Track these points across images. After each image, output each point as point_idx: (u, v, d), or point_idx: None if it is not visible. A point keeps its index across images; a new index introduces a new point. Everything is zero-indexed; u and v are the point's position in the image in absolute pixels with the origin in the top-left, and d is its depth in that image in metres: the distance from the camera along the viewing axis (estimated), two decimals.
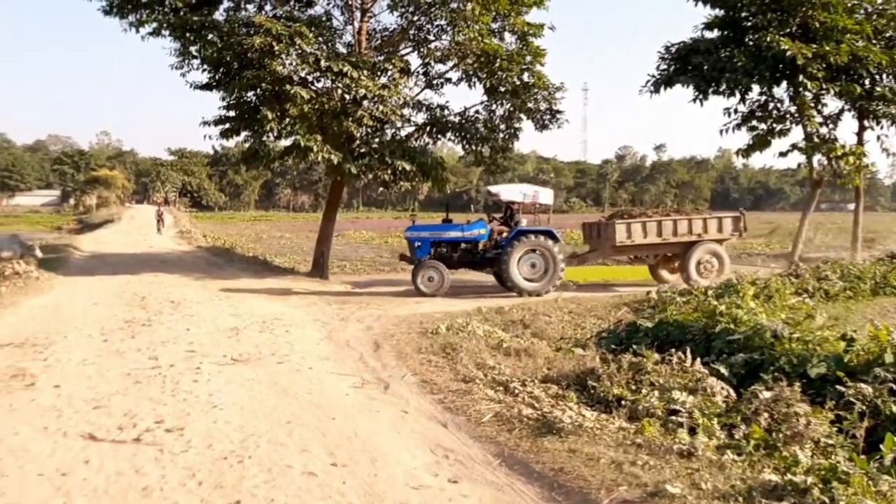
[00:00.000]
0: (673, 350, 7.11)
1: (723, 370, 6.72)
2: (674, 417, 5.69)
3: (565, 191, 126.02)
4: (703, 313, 9.11)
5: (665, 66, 22.17)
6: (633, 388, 6.42)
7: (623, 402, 6.12)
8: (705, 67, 20.61)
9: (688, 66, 21.28)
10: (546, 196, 15.65)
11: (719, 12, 21.42)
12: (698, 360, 6.88)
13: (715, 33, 21.68)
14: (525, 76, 18.40)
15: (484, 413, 6.15)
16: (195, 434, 5.59)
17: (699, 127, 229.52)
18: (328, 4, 19.46)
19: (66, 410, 6.19)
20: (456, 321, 10.69)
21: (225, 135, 18.91)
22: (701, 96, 21.47)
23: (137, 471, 4.85)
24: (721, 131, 22.13)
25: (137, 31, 18.12)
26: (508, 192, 15.76)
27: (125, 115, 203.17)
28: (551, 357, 8.35)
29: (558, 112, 19.09)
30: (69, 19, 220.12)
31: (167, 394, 6.78)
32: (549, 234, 14.97)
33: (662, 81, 22.05)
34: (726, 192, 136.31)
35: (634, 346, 7.78)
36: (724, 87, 20.83)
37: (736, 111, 21.80)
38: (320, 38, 16.89)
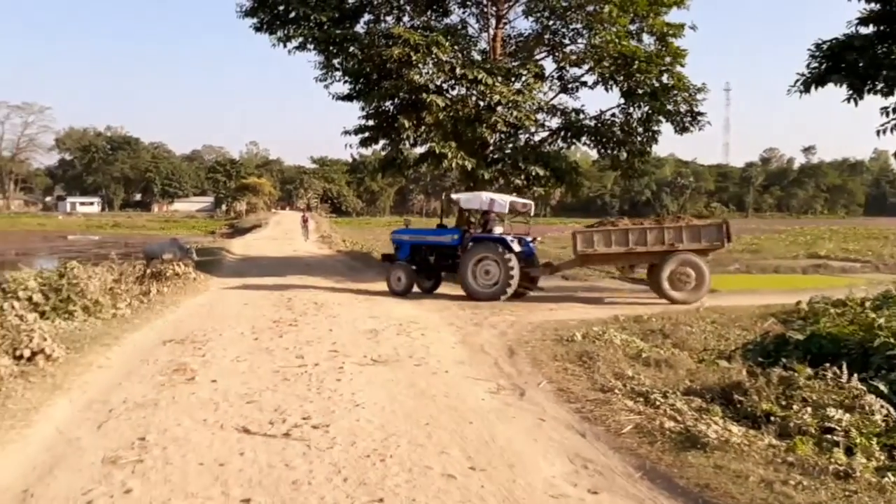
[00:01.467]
0: (827, 365, 6.72)
1: (882, 387, 6.30)
2: (828, 436, 5.40)
3: (706, 195, 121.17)
4: (860, 326, 8.54)
5: (816, 65, 20.96)
6: (783, 403, 6.12)
7: (772, 418, 5.83)
8: (860, 65, 19.29)
9: (841, 64, 20.01)
10: (501, 204, 15.22)
11: (875, 6, 20.00)
12: (855, 375, 6.46)
13: (871, 28, 20.28)
14: (664, 78, 17.98)
15: (623, 424, 6.02)
16: (340, 431, 5.82)
17: (853, 127, 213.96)
18: (464, 13, 19.82)
19: (222, 404, 6.62)
20: (592, 329, 10.49)
21: (364, 143, 19.62)
22: (855, 95, 20.11)
23: (287, 464, 5.10)
24: (878, 132, 20.62)
25: (285, 46, 19.20)
26: (467, 200, 15.86)
27: (272, 126, 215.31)
28: (693, 369, 8.08)
29: (699, 114, 18.53)
30: (223, 36, 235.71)
31: (313, 391, 7.10)
32: (502, 242, 14.90)
33: (813, 80, 20.76)
34: (882, 196, 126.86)
35: (784, 360, 7.41)
36: (881, 85, 19.40)
37: (895, 111, 20.30)
38: (456, 47, 17.20)
